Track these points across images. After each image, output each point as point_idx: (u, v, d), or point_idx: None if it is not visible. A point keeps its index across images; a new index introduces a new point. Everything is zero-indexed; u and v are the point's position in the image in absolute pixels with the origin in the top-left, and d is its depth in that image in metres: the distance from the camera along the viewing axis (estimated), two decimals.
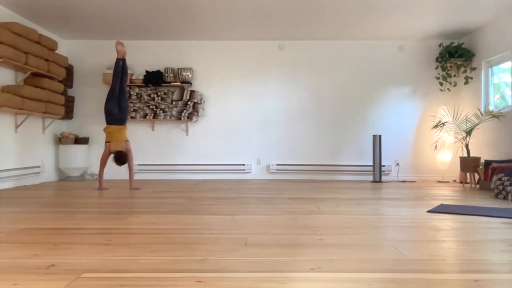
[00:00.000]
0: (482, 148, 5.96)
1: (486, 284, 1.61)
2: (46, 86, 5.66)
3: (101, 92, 6.83)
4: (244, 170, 6.80)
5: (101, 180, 5.01)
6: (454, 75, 6.55)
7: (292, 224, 2.83)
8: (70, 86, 6.73)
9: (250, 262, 1.90)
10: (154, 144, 6.85)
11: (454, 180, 6.58)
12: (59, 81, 6.12)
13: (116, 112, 4.95)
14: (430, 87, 6.74)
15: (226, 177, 6.80)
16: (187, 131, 6.85)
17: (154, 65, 6.78)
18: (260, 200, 4.12)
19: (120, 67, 5.01)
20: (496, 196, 4.47)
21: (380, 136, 6.34)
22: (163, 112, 6.64)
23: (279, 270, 1.77)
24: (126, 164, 5.01)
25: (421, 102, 6.77)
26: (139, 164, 6.77)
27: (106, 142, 4.97)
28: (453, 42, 6.55)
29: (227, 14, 5.56)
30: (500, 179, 4.48)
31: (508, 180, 4.33)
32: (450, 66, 6.48)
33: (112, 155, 4.93)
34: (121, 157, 4.85)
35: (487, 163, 5.30)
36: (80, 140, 6.58)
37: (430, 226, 2.77)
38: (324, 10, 5.40)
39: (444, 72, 6.48)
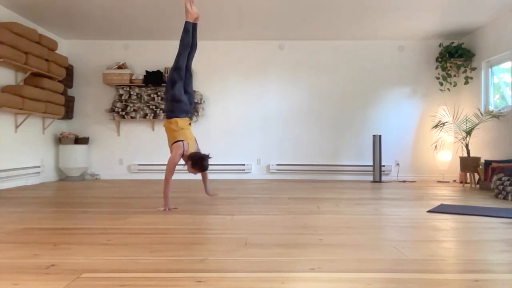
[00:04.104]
0: (482, 148, 5.96)
1: (486, 284, 1.61)
2: (46, 86, 5.66)
3: (101, 92, 6.85)
4: (244, 170, 6.80)
5: (168, 195, 3.45)
6: (454, 75, 6.55)
7: (292, 224, 2.83)
8: (70, 86, 6.73)
9: (250, 262, 1.90)
10: (154, 144, 6.85)
11: (454, 180, 6.58)
12: (59, 81, 6.12)
13: (185, 99, 3.62)
14: (430, 87, 6.74)
15: (226, 177, 6.80)
16: None
17: (154, 65, 6.78)
18: (260, 200, 4.12)
19: (191, 34, 3.65)
20: (496, 196, 4.47)
21: (380, 136, 6.34)
22: (163, 112, 6.64)
23: (279, 270, 1.77)
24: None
25: (421, 102, 6.77)
26: (139, 164, 6.78)
27: (175, 142, 3.53)
28: (453, 42, 6.55)
29: (227, 14, 5.56)
30: (500, 179, 4.48)
31: (508, 180, 4.33)
32: (450, 66, 6.48)
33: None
34: (204, 161, 3.49)
35: (487, 163, 5.30)
36: (80, 140, 6.58)
37: (430, 226, 2.77)
38: (324, 10, 5.40)
39: (444, 72, 6.48)
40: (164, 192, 3.46)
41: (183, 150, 3.51)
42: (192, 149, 3.60)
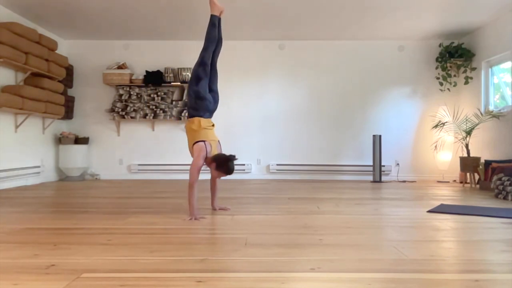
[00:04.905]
0: (482, 148, 5.96)
1: (486, 284, 1.61)
2: (46, 86, 5.66)
3: (101, 92, 6.85)
4: (244, 170, 6.79)
5: (193, 204, 3.07)
6: (454, 75, 6.55)
7: (292, 224, 2.83)
8: (70, 86, 6.73)
9: (250, 262, 1.90)
10: (154, 144, 6.85)
11: (454, 180, 6.58)
12: (59, 81, 6.12)
13: (209, 97, 3.35)
14: (430, 87, 6.73)
15: (226, 177, 6.78)
16: None
17: (154, 65, 6.78)
18: (260, 200, 4.12)
19: (217, 28, 3.44)
20: (496, 196, 4.47)
21: (380, 136, 6.34)
22: (163, 112, 6.64)
23: (279, 270, 1.77)
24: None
25: (421, 102, 6.77)
26: (139, 164, 6.78)
27: (197, 142, 3.19)
28: (453, 42, 6.55)
29: (227, 14, 5.55)
30: (500, 179, 4.48)
31: (508, 180, 4.33)
32: (450, 66, 6.48)
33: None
34: (231, 163, 3.15)
35: (487, 163, 5.30)
36: (80, 140, 6.58)
37: (430, 226, 2.77)
38: (324, 10, 5.40)
39: (444, 72, 6.48)
40: (189, 200, 3.09)
41: (206, 151, 3.16)
42: (214, 152, 3.25)
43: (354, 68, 6.82)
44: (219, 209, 3.46)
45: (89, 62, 6.86)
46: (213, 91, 3.45)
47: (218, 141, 3.37)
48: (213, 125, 3.38)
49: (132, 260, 1.91)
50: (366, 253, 2.06)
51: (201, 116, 3.29)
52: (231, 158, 3.14)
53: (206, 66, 3.36)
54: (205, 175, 6.71)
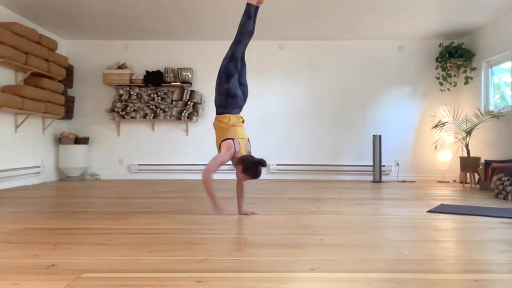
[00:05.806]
0: (482, 148, 5.95)
1: (486, 284, 1.61)
2: (46, 86, 5.66)
3: (101, 92, 6.85)
4: None
5: (214, 195, 3.05)
6: (454, 75, 6.55)
7: (292, 224, 2.83)
8: (70, 86, 6.73)
9: (250, 262, 1.90)
10: (154, 144, 6.85)
11: (454, 180, 6.58)
12: (59, 81, 6.12)
13: (240, 94, 3.15)
14: (430, 87, 6.73)
15: (226, 177, 6.78)
16: (187, 131, 6.85)
17: (154, 65, 6.78)
18: (260, 200, 4.11)
19: (252, 19, 3.12)
20: (496, 196, 4.47)
21: (380, 136, 6.34)
22: (163, 112, 6.64)
23: (279, 270, 1.77)
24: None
25: (421, 102, 6.77)
26: (139, 164, 6.78)
27: (224, 139, 3.04)
28: (453, 42, 6.55)
29: (227, 14, 5.56)
30: (500, 179, 4.48)
31: (508, 180, 4.33)
32: (450, 66, 6.48)
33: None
34: (260, 167, 2.96)
35: (487, 163, 5.30)
36: (80, 140, 6.58)
37: (430, 226, 2.77)
38: (324, 10, 5.40)
39: (444, 72, 6.48)
40: (208, 193, 2.98)
41: (234, 150, 3.00)
42: (243, 151, 3.06)
43: (354, 68, 6.82)
44: (251, 213, 3.19)
45: (89, 62, 6.86)
46: (243, 85, 3.23)
47: (248, 139, 3.19)
48: (243, 121, 3.21)
49: (132, 260, 1.91)
50: (366, 253, 2.06)
51: (230, 113, 3.11)
52: (261, 162, 2.94)
53: (237, 62, 3.13)
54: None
